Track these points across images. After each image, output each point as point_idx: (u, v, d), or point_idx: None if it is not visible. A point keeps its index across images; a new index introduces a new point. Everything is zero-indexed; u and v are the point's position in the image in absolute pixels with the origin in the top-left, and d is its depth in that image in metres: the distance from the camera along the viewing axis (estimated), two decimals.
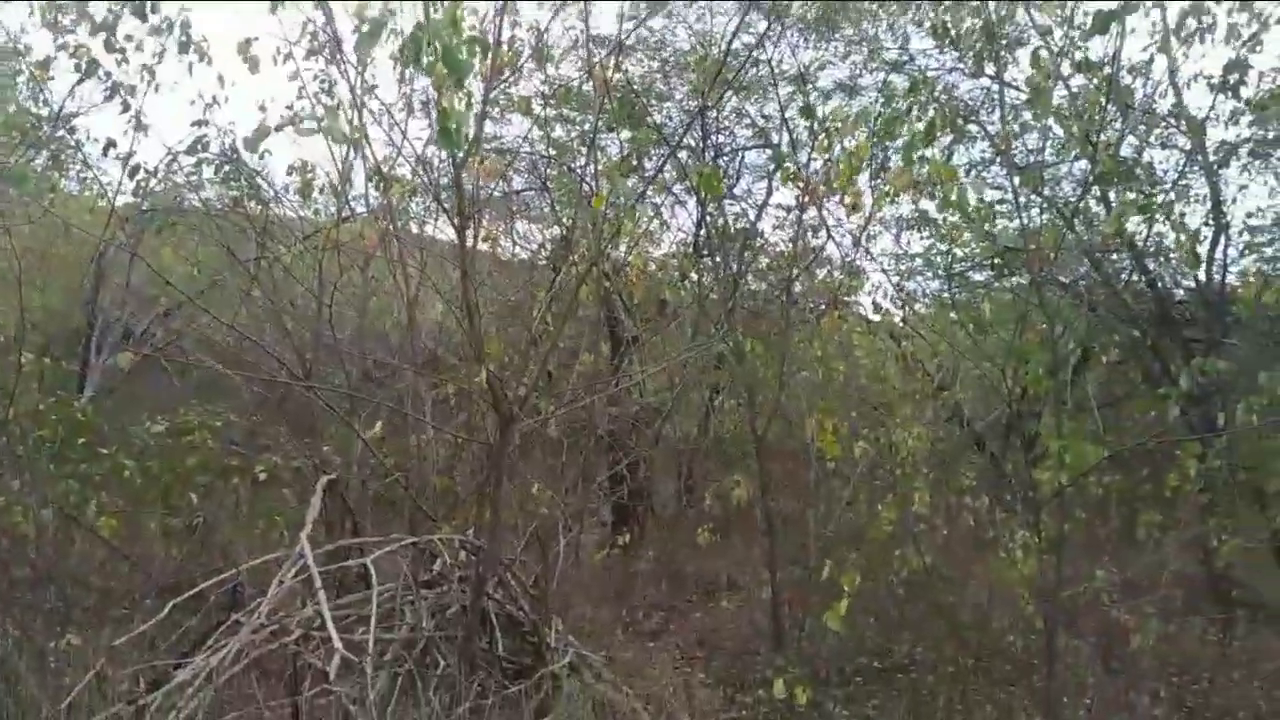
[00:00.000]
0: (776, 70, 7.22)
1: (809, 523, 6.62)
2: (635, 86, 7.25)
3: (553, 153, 7.89)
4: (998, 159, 7.64)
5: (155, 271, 6.25)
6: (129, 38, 5.01)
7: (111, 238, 6.46)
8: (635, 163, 6.52)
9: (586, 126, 6.95)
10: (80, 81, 5.32)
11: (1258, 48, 5.54)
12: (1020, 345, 5.38)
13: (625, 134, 7.65)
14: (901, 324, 8.68)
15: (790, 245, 7.71)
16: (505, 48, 5.41)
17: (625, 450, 8.23)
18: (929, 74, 7.03)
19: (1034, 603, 5.37)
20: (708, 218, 8.66)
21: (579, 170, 6.46)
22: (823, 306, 7.04)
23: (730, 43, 5.26)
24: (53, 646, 4.68)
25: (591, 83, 6.07)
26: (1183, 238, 5.93)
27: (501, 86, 5.01)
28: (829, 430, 5.47)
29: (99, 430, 6.79)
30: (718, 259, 8.60)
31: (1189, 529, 5.92)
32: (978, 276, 9.89)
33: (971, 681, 5.78)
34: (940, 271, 9.03)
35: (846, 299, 7.38)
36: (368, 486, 6.47)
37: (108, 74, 5.27)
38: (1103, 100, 5.64)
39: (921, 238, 8.89)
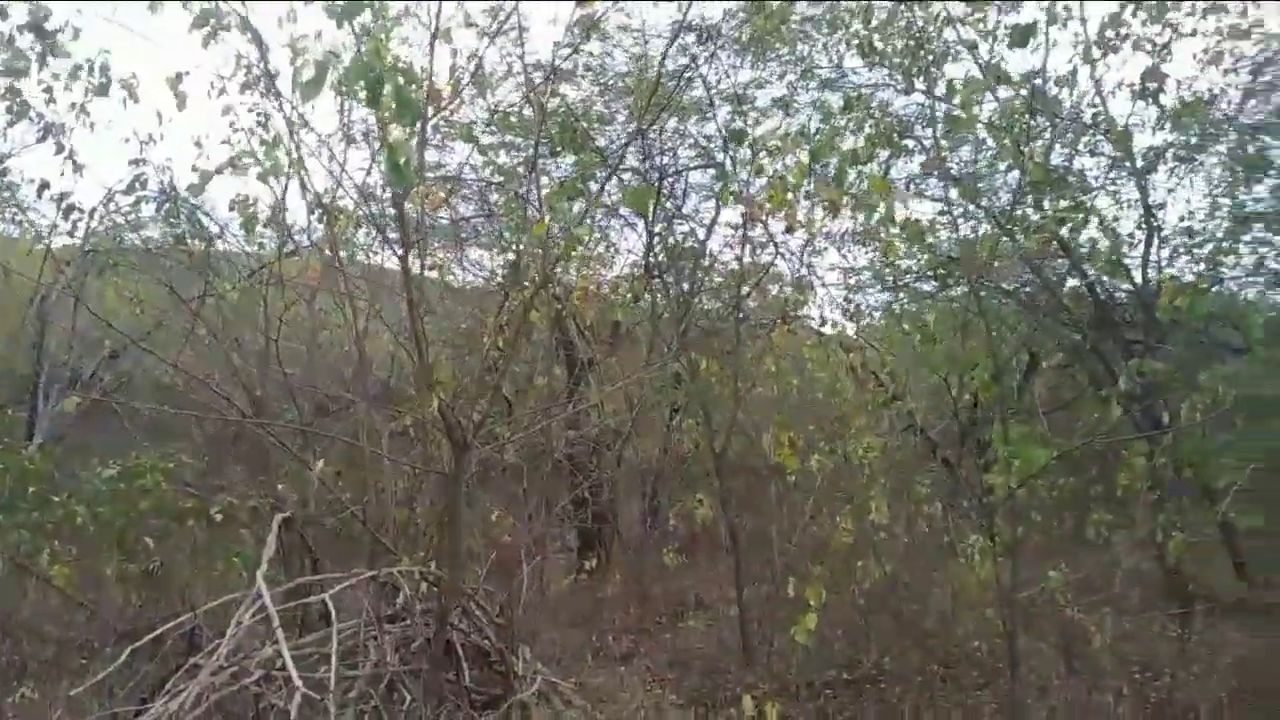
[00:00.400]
0: (714, 91, 7.33)
1: (773, 538, 6.64)
2: (576, 111, 7.30)
3: (499, 179, 7.91)
4: (934, 172, 7.79)
5: (96, 315, 6.13)
6: (56, 75, 4.93)
7: (52, 281, 6.33)
8: (579, 186, 6.59)
9: (530, 152, 6.98)
10: (11, 124, 5.22)
11: (1168, 56, 5.75)
12: (963, 353, 5.49)
13: (570, 158, 7.72)
14: (855, 336, 8.81)
15: (739, 263, 7.79)
16: (448, 76, 5.47)
17: (586, 474, 8.21)
18: (863, 91, 7.16)
19: (994, 607, 5.43)
20: (656, 239, 8.73)
21: (524, 195, 6.48)
22: (776, 322, 7.13)
23: (662, 65, 5.31)
24: (10, 701, 4.54)
25: (531, 108, 6.14)
26: (1106, 244, 6.08)
27: (440, 115, 5.00)
28: (785, 444, 5.51)
29: (49, 477, 6.62)
30: (669, 279, 8.66)
31: (1141, 527, 6.04)
32: (926, 287, 10.08)
33: (939, 689, 5.82)
34: (886, 284, 9.17)
35: (796, 314, 7.47)
36: (326, 523, 6.38)
37: (39, 115, 5.18)
38: (1029, 111, 5.81)
39: (866, 251, 9.03)
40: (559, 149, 6.56)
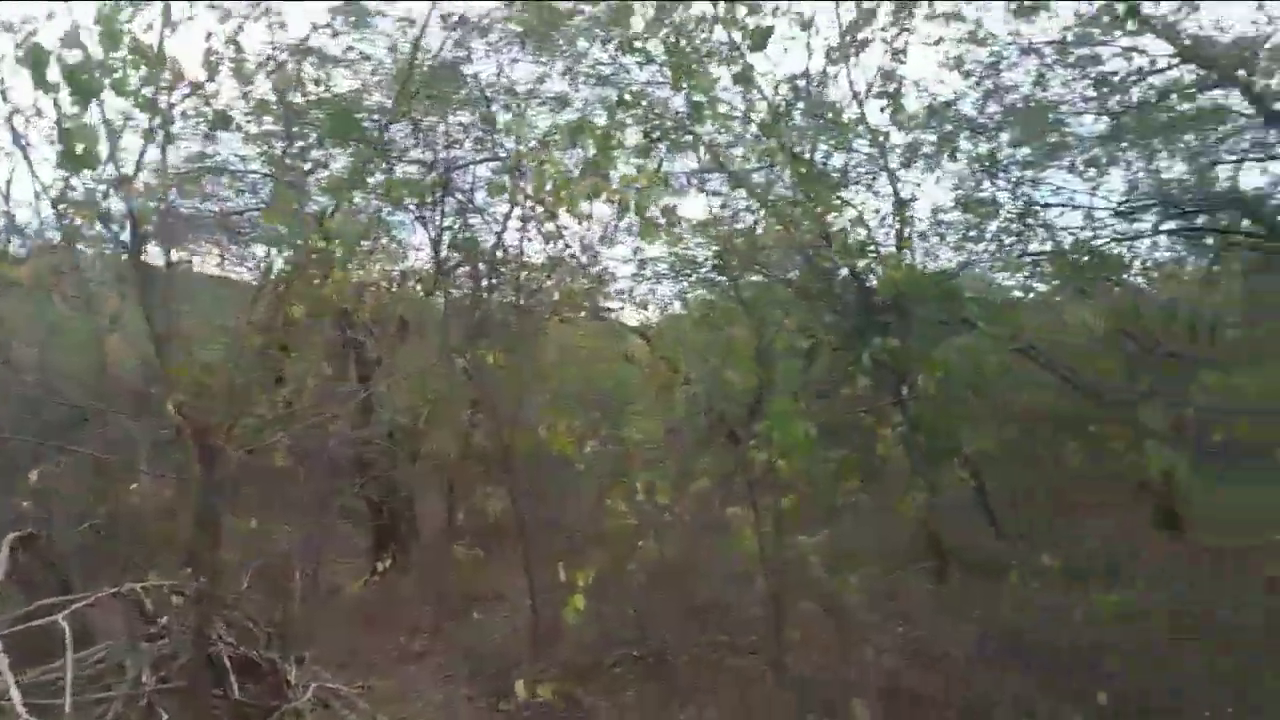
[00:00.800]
0: (493, 85, 7.33)
1: (561, 526, 6.75)
2: (348, 100, 7.09)
3: (270, 170, 7.54)
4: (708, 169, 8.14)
5: None
6: None
7: None
8: (355, 179, 6.41)
9: (290, 142, 6.71)
10: None
11: (903, 60, 6.28)
12: (732, 339, 5.80)
13: (350, 149, 7.49)
14: (652, 325, 9.07)
15: (533, 256, 7.86)
16: (203, 59, 5.17)
17: (377, 473, 8.01)
18: (634, 89, 7.36)
19: (762, 575, 5.77)
20: (446, 233, 8.62)
21: (294, 184, 6.22)
22: (551, 313, 7.25)
23: (414, 53, 5.25)
24: None
25: (295, 95, 5.91)
26: (854, 237, 6.59)
27: (184, 100, 4.73)
28: (560, 431, 5.60)
29: None
30: (460, 273, 8.59)
31: (892, 492, 6.57)
32: (720, 278, 10.51)
33: (715, 656, 6.12)
34: (675, 274, 9.47)
35: (584, 305, 7.60)
36: (74, 539, 5.89)
37: None
38: (786, 113, 6.20)
39: (653, 243, 9.26)
40: (327, 139, 6.34)
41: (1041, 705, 5.03)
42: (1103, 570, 5.40)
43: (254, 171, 7.83)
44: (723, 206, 8.31)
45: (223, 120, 5.96)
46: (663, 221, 5.99)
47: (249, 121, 6.47)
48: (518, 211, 8.84)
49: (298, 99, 6.46)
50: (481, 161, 8.13)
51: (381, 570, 7.91)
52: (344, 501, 7.97)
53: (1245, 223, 7.53)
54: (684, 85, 6.04)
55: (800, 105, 7.41)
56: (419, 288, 8.79)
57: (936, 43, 7.76)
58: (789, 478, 6.16)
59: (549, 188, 5.29)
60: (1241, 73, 6.67)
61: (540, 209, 6.83)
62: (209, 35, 5.29)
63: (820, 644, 6.05)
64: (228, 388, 4.87)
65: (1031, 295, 8.05)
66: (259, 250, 7.64)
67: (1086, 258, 6.52)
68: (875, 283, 7.15)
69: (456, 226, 8.52)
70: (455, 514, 8.79)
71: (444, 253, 8.60)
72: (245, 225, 8.49)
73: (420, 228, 8.52)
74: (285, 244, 5.15)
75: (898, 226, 7.53)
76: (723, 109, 7.20)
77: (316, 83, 6.52)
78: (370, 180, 6.67)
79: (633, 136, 7.60)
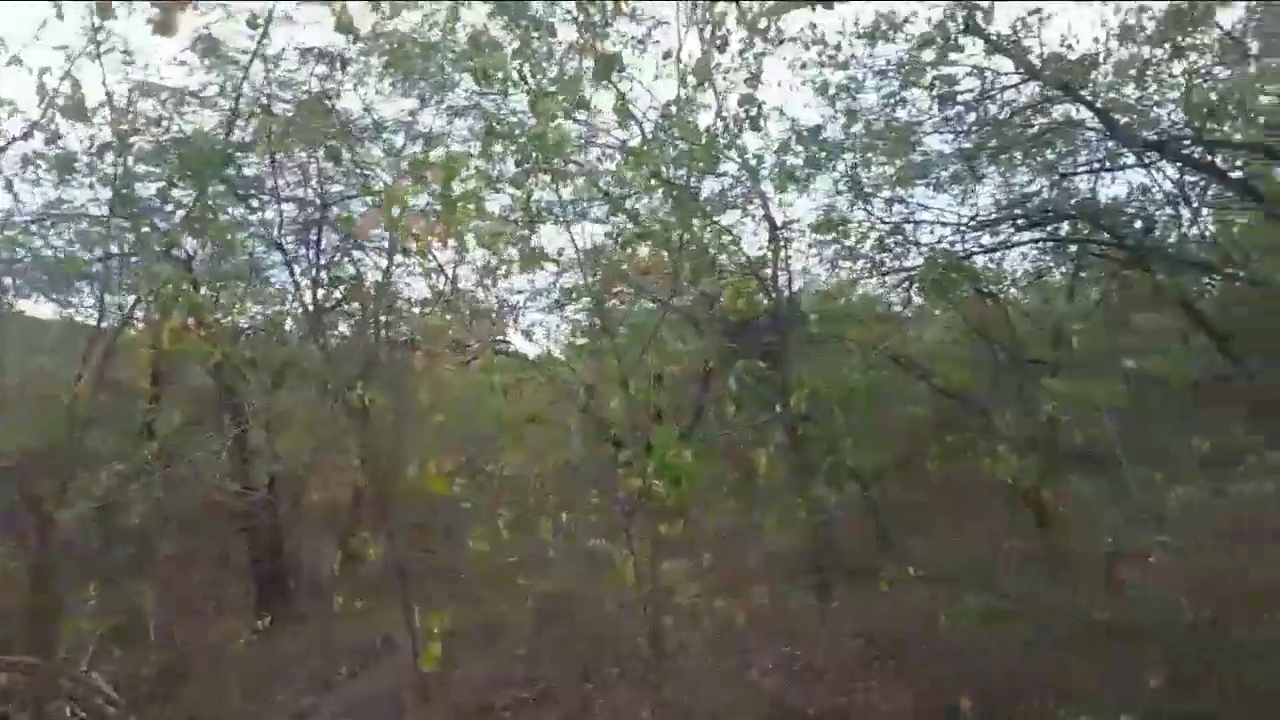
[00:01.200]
0: (363, 120, 7.20)
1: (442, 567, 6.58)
2: (208, 136, 6.83)
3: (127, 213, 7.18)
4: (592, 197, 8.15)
5: None
6: None
7: None
8: (212, 216, 6.17)
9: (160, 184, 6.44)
10: None
11: (757, 85, 6.40)
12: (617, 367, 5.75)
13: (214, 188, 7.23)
14: (549, 356, 8.97)
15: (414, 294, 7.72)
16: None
17: (256, 524, 7.69)
18: (513, 119, 7.33)
19: (644, 604, 5.70)
20: (324, 271, 8.39)
21: (157, 230, 5.96)
22: (444, 348, 7.10)
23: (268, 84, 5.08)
24: None
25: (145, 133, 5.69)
26: (741, 259, 6.68)
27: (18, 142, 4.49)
28: (431, 470, 5.46)
29: None
30: (341, 313, 8.38)
31: (773, 511, 6.63)
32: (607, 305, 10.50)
33: (604, 688, 6.03)
34: (557, 305, 9.42)
35: (463, 340, 7.46)
36: None
37: None
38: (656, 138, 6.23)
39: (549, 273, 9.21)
40: (182, 178, 6.08)
41: (923, 707, 5.10)
42: (967, 575, 5.52)
43: (103, 217, 7.47)
44: (606, 235, 8.32)
45: (64, 164, 5.70)
46: (539, 248, 5.99)
47: (91, 161, 6.18)
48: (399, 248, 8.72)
49: (147, 137, 6.23)
50: (354, 197, 7.95)
51: (264, 624, 7.56)
52: (221, 555, 7.61)
53: (1103, 234, 7.90)
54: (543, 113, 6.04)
55: (672, 131, 7.47)
56: (297, 330, 8.54)
57: (802, 66, 8.00)
58: (670, 504, 6.16)
59: (420, 223, 5.20)
60: (1086, 89, 7.00)
61: (415, 244, 6.75)
62: (43, 72, 5.06)
63: (704, 670, 6.02)
64: (66, 448, 4.60)
65: (905, 310, 8.26)
66: (110, 298, 7.26)
67: (942, 271, 6.72)
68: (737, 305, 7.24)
69: (335, 264, 8.32)
70: (342, 563, 8.51)
71: (321, 293, 8.37)
72: (102, 272, 8.08)
73: (295, 267, 8.28)
74: (149, 290, 4.88)
75: (771, 248, 7.64)
76: (604, 139, 7.26)
77: (158, 122, 6.28)
78: (235, 219, 6.47)
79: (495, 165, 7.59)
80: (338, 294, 8.65)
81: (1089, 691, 4.48)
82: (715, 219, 7.58)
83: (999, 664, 4.87)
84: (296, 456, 8.26)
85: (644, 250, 8.07)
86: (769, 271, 7.76)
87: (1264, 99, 6.75)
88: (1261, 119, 6.71)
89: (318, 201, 8.23)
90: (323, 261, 8.54)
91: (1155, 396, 6.38)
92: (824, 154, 7.55)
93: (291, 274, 7.87)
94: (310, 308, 8.68)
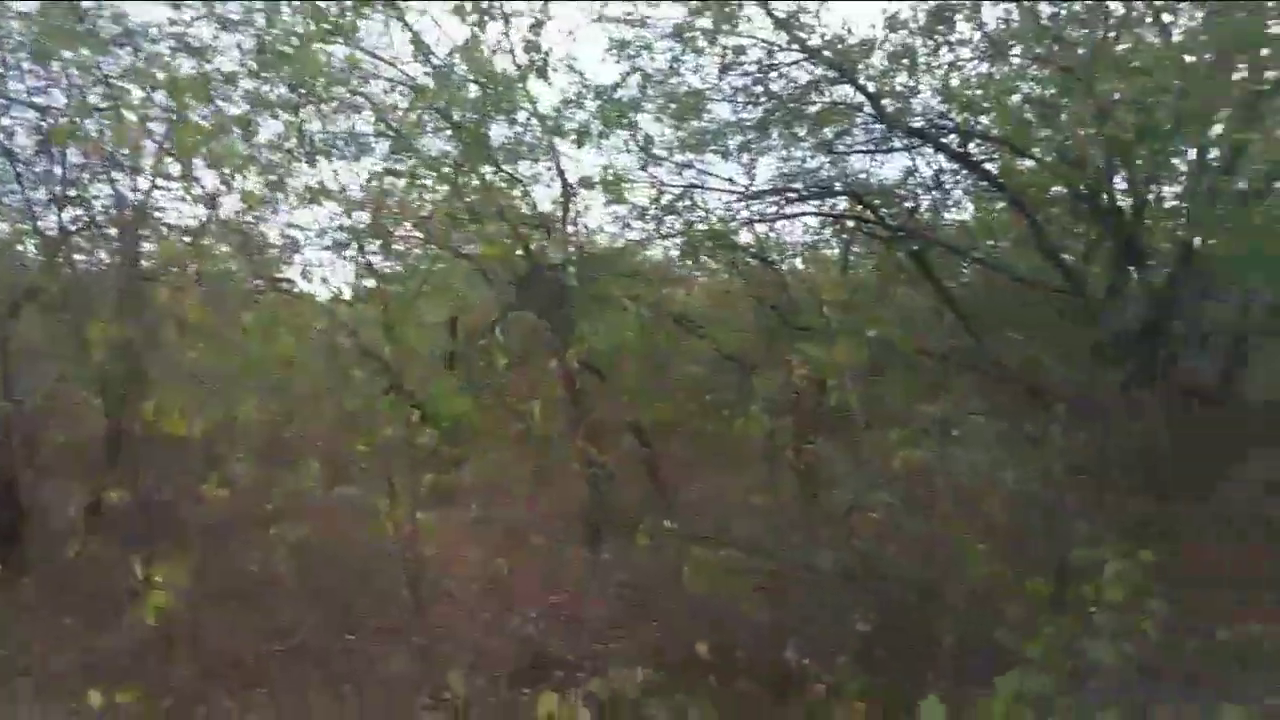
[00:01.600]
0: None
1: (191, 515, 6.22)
2: None
3: None
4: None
5: None
6: None
7: None
8: None
9: None
10: None
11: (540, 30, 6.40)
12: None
13: None
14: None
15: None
16: None
17: None
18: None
19: (405, 554, 5.64)
20: (72, 188, 7.56)
21: None
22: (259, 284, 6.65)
23: None
24: None
25: None
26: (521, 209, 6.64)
27: None
28: (174, 411, 5.13)
29: None
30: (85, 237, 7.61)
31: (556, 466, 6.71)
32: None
33: (362, 644, 5.94)
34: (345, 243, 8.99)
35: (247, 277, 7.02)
36: None
37: None
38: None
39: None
40: None
41: (667, 654, 5.38)
42: (715, 530, 5.84)
43: None
44: (390, 173, 7.98)
45: None
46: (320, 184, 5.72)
47: None
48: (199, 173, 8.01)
49: None
50: (106, 109, 7.15)
51: None
52: None
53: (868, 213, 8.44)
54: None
55: (463, 70, 7.25)
56: (41, 255, 7.68)
57: (598, 20, 7.97)
58: (443, 452, 6.11)
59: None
60: (859, 72, 7.38)
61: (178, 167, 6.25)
62: None
63: (466, 620, 6.06)
64: None
65: (690, 271, 8.51)
66: None
67: (714, 238, 6.97)
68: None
69: (79, 183, 7.51)
70: (86, 509, 7.83)
71: (66, 214, 7.54)
72: None
73: (31, 183, 7.40)
74: None
75: (562, 201, 7.62)
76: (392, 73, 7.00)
77: None
78: None
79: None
80: (85, 216, 7.86)
81: (811, 635, 4.88)
82: (505, 167, 7.46)
83: (733, 612, 5.21)
84: (33, 393, 7.50)
85: (432, 194, 7.86)
86: (559, 225, 7.77)
87: (1015, 97, 7.36)
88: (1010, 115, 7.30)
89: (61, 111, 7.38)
90: (70, 178, 7.70)
91: (897, 365, 6.92)
92: (615, 113, 7.56)
93: (21, 189, 7.04)
94: (56, 231, 7.84)
